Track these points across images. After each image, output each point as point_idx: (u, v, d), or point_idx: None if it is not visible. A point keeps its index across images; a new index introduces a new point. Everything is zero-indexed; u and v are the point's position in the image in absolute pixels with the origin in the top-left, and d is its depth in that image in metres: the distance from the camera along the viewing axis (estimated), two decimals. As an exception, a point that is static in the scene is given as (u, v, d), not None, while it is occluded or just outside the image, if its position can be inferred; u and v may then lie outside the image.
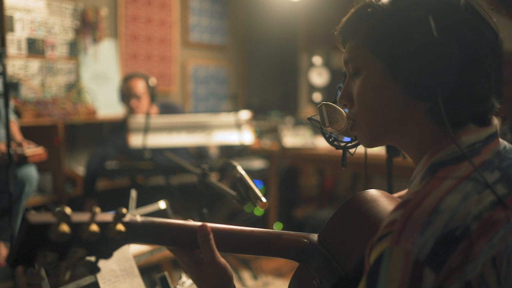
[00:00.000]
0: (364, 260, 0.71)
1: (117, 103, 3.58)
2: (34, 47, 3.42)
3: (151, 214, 1.53)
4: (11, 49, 3.27)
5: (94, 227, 0.70)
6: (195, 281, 0.86)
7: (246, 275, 3.40)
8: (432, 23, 0.74)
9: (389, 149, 1.53)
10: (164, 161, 3.15)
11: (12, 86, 3.18)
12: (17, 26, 3.31)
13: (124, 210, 0.73)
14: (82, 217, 0.70)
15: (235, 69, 5.20)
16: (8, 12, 3.25)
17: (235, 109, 3.69)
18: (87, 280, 1.28)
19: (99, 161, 3.25)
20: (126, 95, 3.37)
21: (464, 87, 0.76)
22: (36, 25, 3.42)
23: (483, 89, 0.77)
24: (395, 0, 0.79)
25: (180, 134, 3.30)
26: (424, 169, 0.78)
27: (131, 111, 3.37)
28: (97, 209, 0.70)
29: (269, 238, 0.88)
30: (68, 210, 0.68)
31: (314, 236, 0.90)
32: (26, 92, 3.34)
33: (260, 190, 1.38)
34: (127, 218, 0.75)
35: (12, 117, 2.78)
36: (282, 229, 2.13)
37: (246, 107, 4.79)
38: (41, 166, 2.96)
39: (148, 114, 3.21)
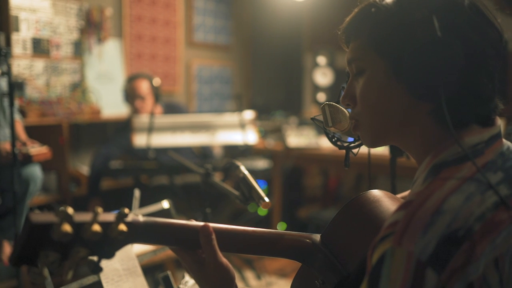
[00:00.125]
0: (367, 261, 0.71)
1: (122, 103, 3.59)
2: (39, 47, 3.43)
3: (154, 213, 1.53)
4: (16, 49, 3.29)
5: (96, 227, 0.70)
6: (197, 281, 0.86)
7: (249, 275, 3.40)
8: (436, 23, 0.74)
9: (392, 150, 1.53)
10: (168, 161, 3.16)
11: (17, 86, 3.19)
12: (22, 26, 3.32)
13: (126, 210, 0.73)
14: (84, 217, 0.71)
15: (239, 69, 5.20)
16: (13, 12, 3.26)
17: (239, 109, 3.69)
18: (90, 279, 1.29)
19: (103, 161, 3.26)
20: (131, 95, 3.38)
21: (467, 88, 0.76)
22: (41, 25, 3.43)
23: (487, 89, 0.77)
24: (399, 0, 0.79)
25: (184, 134, 3.31)
26: (427, 170, 0.78)
27: (135, 111, 3.37)
28: (99, 209, 0.70)
29: (272, 238, 0.88)
30: (70, 210, 0.68)
31: (317, 237, 0.90)
32: (31, 91, 3.36)
33: (263, 190, 1.38)
34: (129, 218, 0.75)
35: (17, 117, 2.79)
36: (286, 229, 2.13)
37: (250, 107, 4.80)
38: (46, 166, 2.97)
39: (152, 114, 3.21)
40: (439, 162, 0.77)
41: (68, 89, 3.61)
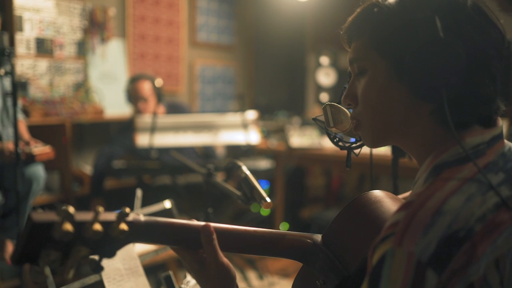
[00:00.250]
0: (367, 261, 0.71)
1: (125, 102, 3.60)
2: (43, 47, 3.44)
3: (156, 213, 1.54)
4: (20, 49, 3.30)
5: (97, 226, 0.70)
6: (198, 280, 0.86)
7: (251, 275, 3.40)
8: (438, 23, 0.74)
9: (394, 150, 1.53)
10: (170, 160, 3.16)
11: (20, 86, 3.20)
12: (26, 26, 3.33)
13: (127, 210, 0.74)
14: (86, 216, 0.71)
15: (242, 69, 5.20)
16: (17, 12, 3.27)
17: (242, 109, 3.70)
18: (92, 278, 1.29)
19: (106, 161, 3.27)
20: (133, 97, 3.39)
21: (469, 88, 0.75)
22: (45, 25, 3.45)
23: (489, 90, 0.77)
24: (402, 0, 0.79)
25: (187, 134, 3.31)
26: (428, 170, 0.78)
27: (138, 112, 3.38)
28: (101, 208, 0.71)
29: (273, 238, 0.88)
30: (71, 209, 0.68)
31: (318, 237, 0.90)
32: (34, 91, 3.37)
33: (266, 190, 1.38)
34: (131, 217, 0.75)
35: (20, 116, 2.80)
36: (288, 229, 2.13)
37: (253, 107, 4.80)
38: (49, 165, 2.98)
39: (155, 114, 3.22)
40: (440, 162, 0.77)
41: (71, 89, 3.62)
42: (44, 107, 3.32)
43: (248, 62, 5.25)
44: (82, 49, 3.68)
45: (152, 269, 3.01)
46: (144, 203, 1.70)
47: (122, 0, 3.99)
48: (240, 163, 1.44)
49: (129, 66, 4.04)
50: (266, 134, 4.25)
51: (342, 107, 0.94)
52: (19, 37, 3.29)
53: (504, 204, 0.70)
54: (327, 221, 4.00)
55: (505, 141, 0.79)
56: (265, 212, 3.94)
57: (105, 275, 1.27)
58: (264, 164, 3.69)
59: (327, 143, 3.70)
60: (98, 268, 0.73)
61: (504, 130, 0.80)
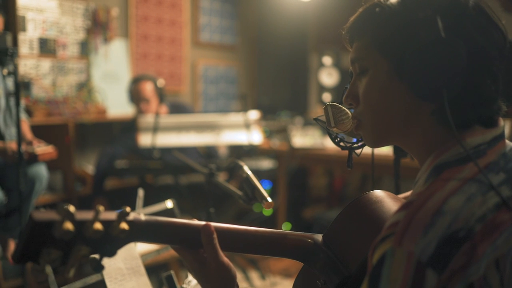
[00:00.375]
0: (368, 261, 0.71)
1: (127, 102, 3.61)
2: (46, 47, 3.45)
3: (158, 213, 1.54)
4: (23, 49, 3.31)
5: (98, 225, 0.70)
6: (198, 280, 0.86)
7: (254, 275, 3.40)
8: (439, 23, 0.74)
9: (396, 150, 1.53)
10: (173, 160, 3.16)
11: (23, 85, 3.22)
12: (29, 26, 3.34)
13: (128, 209, 0.74)
14: (86, 215, 0.71)
15: (245, 69, 5.20)
16: (20, 12, 3.28)
17: (245, 109, 3.70)
18: (94, 278, 1.29)
19: (108, 160, 3.27)
20: (135, 98, 3.40)
21: (470, 88, 0.75)
22: (48, 25, 3.45)
23: (490, 90, 0.77)
24: (403, 0, 0.79)
25: (190, 134, 3.31)
26: (429, 170, 0.78)
27: (140, 112, 3.39)
28: (101, 208, 0.71)
29: (274, 238, 0.88)
30: (72, 208, 0.68)
31: (319, 237, 0.90)
32: (37, 91, 3.38)
33: (268, 191, 1.38)
34: (131, 216, 0.75)
35: (23, 116, 2.81)
36: (291, 230, 2.13)
37: (255, 107, 4.80)
38: (51, 165, 2.98)
39: (157, 114, 3.22)
40: (440, 162, 0.77)
41: (74, 89, 3.63)
42: (47, 107, 3.33)
43: (251, 62, 5.26)
44: (85, 49, 3.69)
45: (154, 269, 3.01)
46: (146, 203, 1.70)
47: (125, 0, 4.00)
48: (242, 163, 1.44)
49: (132, 66, 4.05)
50: (268, 134, 4.25)
51: (343, 107, 0.94)
52: (22, 37, 3.30)
53: (505, 204, 0.69)
54: (329, 221, 3.96)
55: (507, 141, 0.79)
56: (267, 212, 3.94)
57: (107, 275, 1.27)
58: (266, 164, 3.69)
59: (329, 143, 3.70)
60: (99, 267, 0.73)
61: (507, 130, 0.80)
